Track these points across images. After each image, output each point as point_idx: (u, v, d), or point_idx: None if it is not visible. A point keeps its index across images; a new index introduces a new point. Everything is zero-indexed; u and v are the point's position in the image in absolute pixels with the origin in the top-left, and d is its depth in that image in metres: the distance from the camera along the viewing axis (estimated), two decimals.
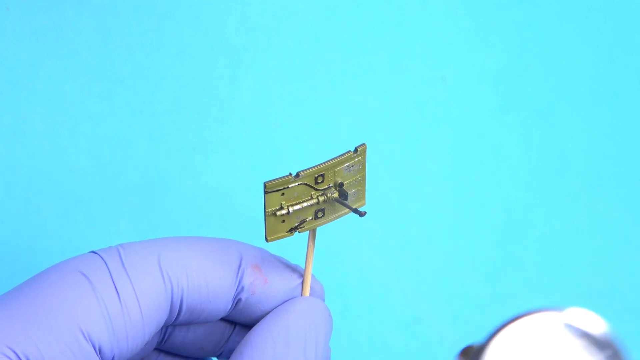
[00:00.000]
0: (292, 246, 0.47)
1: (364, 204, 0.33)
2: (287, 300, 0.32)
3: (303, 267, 0.33)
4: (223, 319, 0.33)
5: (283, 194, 0.31)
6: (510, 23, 0.51)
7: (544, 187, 0.50)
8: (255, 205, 0.46)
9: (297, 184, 0.31)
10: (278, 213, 0.31)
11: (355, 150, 0.32)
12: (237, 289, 0.31)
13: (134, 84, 0.45)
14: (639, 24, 0.53)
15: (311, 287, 0.33)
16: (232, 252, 0.32)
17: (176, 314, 0.30)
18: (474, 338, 0.50)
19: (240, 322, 0.33)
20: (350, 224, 0.47)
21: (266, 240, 0.31)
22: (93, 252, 0.30)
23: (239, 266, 0.31)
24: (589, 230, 0.51)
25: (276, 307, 0.32)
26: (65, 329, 0.27)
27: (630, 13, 0.53)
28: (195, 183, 0.45)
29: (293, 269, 0.33)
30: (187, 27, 0.46)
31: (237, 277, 0.31)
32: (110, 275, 0.29)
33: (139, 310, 0.29)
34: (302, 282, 0.33)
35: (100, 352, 0.28)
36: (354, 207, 0.32)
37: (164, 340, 0.33)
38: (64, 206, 0.44)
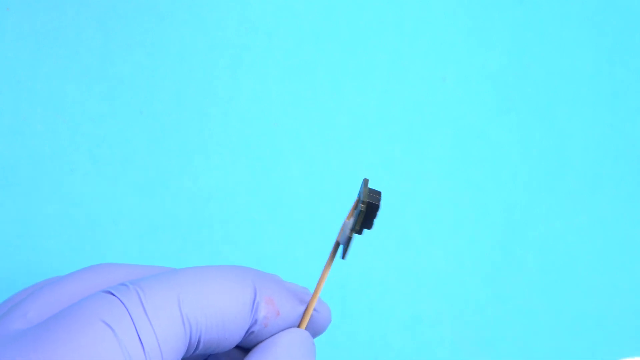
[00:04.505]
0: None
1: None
2: (272, 336, 0.32)
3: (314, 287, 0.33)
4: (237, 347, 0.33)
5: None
6: (510, 23, 0.51)
7: (544, 187, 0.50)
8: (255, 206, 0.46)
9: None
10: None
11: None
12: (250, 323, 0.31)
13: (134, 84, 0.45)
14: (639, 24, 0.53)
15: (317, 310, 0.33)
16: (248, 285, 0.31)
17: (192, 351, 0.30)
18: (473, 338, 0.50)
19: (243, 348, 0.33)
20: None
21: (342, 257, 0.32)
22: (111, 293, 0.29)
23: (254, 300, 0.31)
24: (589, 230, 0.51)
25: None
26: None
27: (630, 13, 0.53)
28: (195, 183, 0.45)
29: (304, 294, 0.33)
30: (187, 27, 0.46)
31: (252, 311, 0.31)
32: (134, 324, 0.28)
33: (160, 357, 0.29)
34: (308, 303, 0.33)
35: None
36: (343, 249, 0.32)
37: None
38: (64, 206, 0.44)
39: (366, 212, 0.31)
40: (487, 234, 0.49)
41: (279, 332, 0.32)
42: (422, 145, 0.49)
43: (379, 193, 0.31)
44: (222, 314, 0.30)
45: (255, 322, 0.31)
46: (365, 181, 0.32)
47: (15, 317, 0.30)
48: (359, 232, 0.31)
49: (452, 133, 0.50)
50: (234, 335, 0.31)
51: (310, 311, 0.33)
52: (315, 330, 0.34)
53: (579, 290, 0.50)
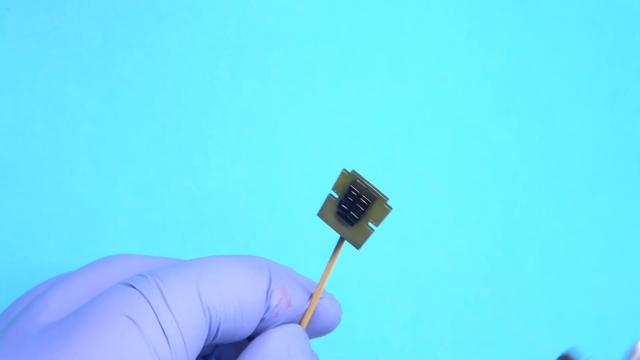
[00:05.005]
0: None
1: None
2: (265, 331, 0.32)
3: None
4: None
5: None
6: (510, 23, 0.51)
7: (544, 187, 0.50)
8: (255, 206, 0.46)
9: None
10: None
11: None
12: (264, 311, 0.31)
13: (134, 84, 0.45)
14: (639, 24, 0.53)
15: (324, 305, 0.33)
16: (264, 273, 0.32)
17: (211, 340, 0.30)
18: (473, 338, 0.50)
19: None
20: None
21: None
22: (132, 286, 0.29)
23: (268, 288, 0.32)
24: (589, 230, 0.51)
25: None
26: None
27: (630, 13, 0.53)
28: (195, 183, 0.45)
29: (313, 290, 0.34)
30: (187, 27, 0.46)
31: (266, 299, 0.31)
32: (157, 317, 0.28)
33: (184, 349, 0.29)
34: (313, 294, 0.33)
35: None
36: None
37: None
38: (64, 206, 0.44)
39: (345, 182, 0.31)
40: (487, 234, 0.49)
41: (285, 322, 0.32)
42: (422, 145, 0.49)
43: (376, 196, 0.31)
44: (240, 302, 0.30)
45: (267, 309, 0.31)
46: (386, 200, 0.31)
47: (38, 311, 0.30)
48: (338, 201, 0.31)
49: (452, 133, 0.50)
50: (250, 323, 0.31)
51: (314, 305, 0.33)
52: (322, 326, 0.34)
53: (579, 290, 0.50)
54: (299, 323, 0.33)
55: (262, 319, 0.32)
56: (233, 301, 0.30)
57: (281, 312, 0.32)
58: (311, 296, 0.33)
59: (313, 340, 0.46)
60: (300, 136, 0.47)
